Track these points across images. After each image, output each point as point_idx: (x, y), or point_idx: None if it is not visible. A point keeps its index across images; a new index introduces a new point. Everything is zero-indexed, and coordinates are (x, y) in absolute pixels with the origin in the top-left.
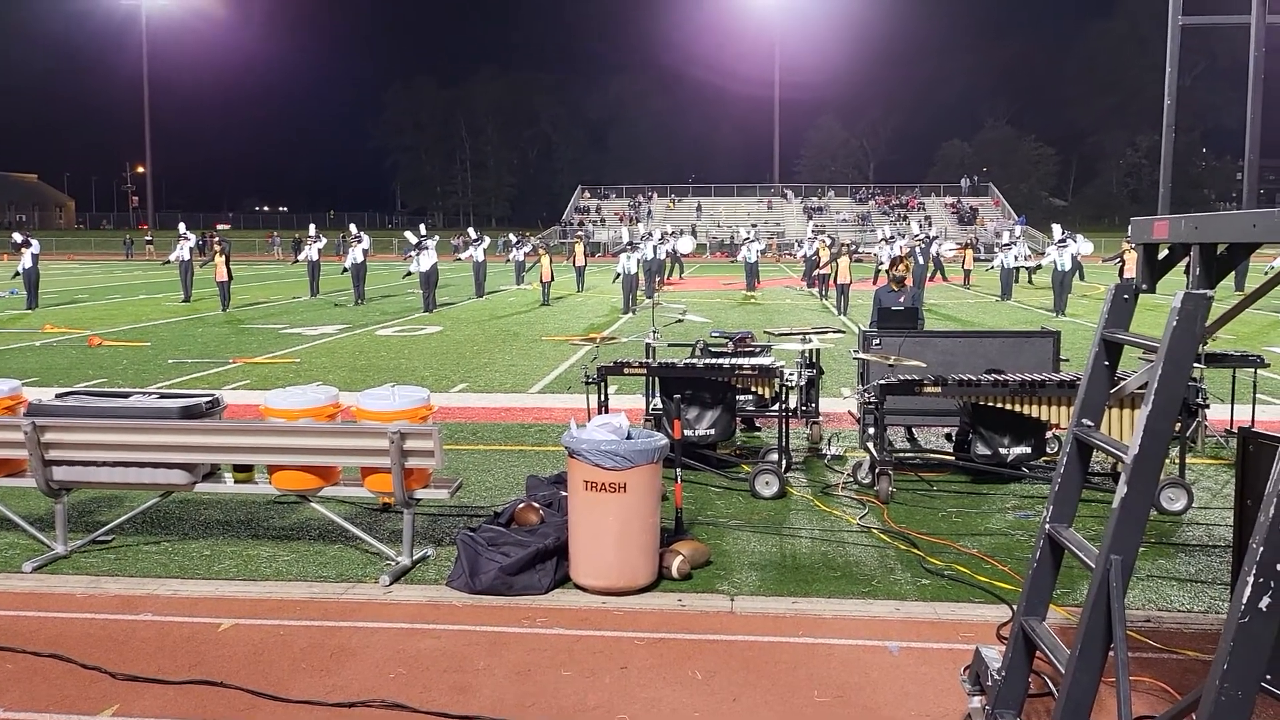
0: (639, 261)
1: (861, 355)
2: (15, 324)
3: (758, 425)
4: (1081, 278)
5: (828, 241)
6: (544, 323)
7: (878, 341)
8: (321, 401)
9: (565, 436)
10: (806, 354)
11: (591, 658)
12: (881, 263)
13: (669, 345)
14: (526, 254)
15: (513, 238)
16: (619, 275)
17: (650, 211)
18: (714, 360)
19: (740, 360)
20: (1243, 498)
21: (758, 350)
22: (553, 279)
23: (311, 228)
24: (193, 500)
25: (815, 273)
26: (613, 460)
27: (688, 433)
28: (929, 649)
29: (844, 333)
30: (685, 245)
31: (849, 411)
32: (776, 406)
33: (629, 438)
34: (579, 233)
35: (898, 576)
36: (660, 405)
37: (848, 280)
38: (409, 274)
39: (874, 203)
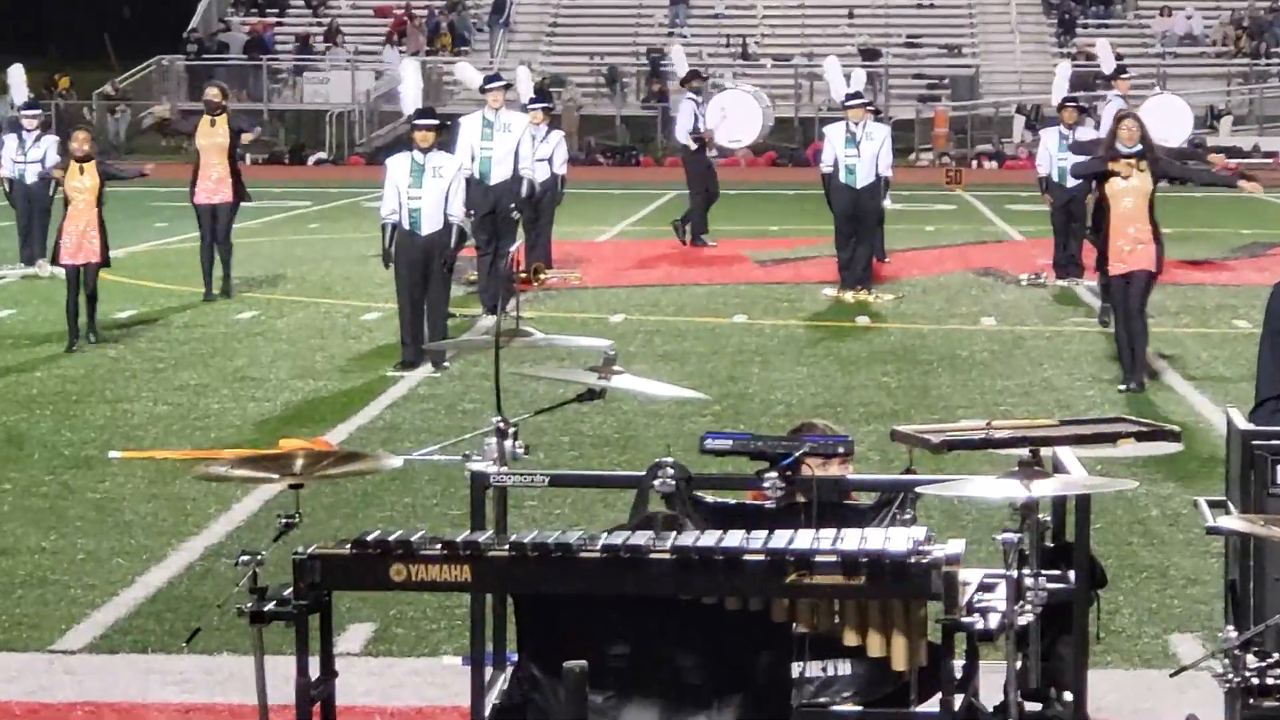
0: (451, 186)
1: (1233, 524)
2: None
3: None
4: None
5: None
6: (103, 407)
7: None
8: None
9: None
10: (1033, 517)
11: None
12: None
13: (548, 482)
14: (54, 168)
15: (16, 98)
16: (391, 233)
17: (506, 13)
18: (709, 539)
19: (805, 537)
20: None
21: (862, 508)
22: (105, 259)
23: None
24: None
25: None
26: None
27: None
28: None
29: (1176, 439)
30: (748, 123)
31: None
32: (937, 703)
33: None
34: (215, 89)
35: None
36: (527, 690)
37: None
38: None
39: None
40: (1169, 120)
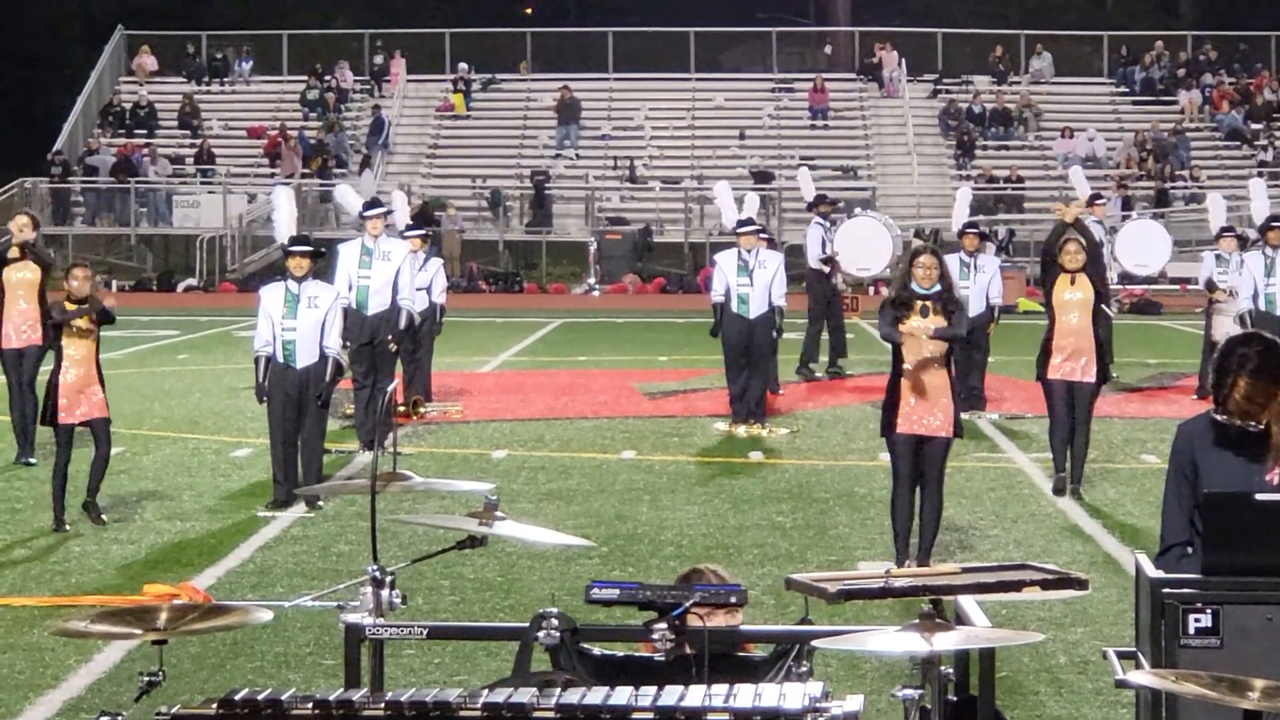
0: (328, 317)
1: (1144, 680)
2: None
3: None
4: None
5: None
6: None
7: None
8: None
9: None
10: (934, 670)
11: None
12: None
13: (426, 634)
14: None
15: None
16: (264, 366)
17: (385, 134)
18: (595, 696)
19: (696, 693)
20: None
21: (756, 660)
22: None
23: None
24: None
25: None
26: None
27: None
28: None
29: (1083, 586)
30: (878, 252)
31: None
32: None
33: None
34: (25, 218)
35: None
36: None
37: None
38: None
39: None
40: (1147, 246)
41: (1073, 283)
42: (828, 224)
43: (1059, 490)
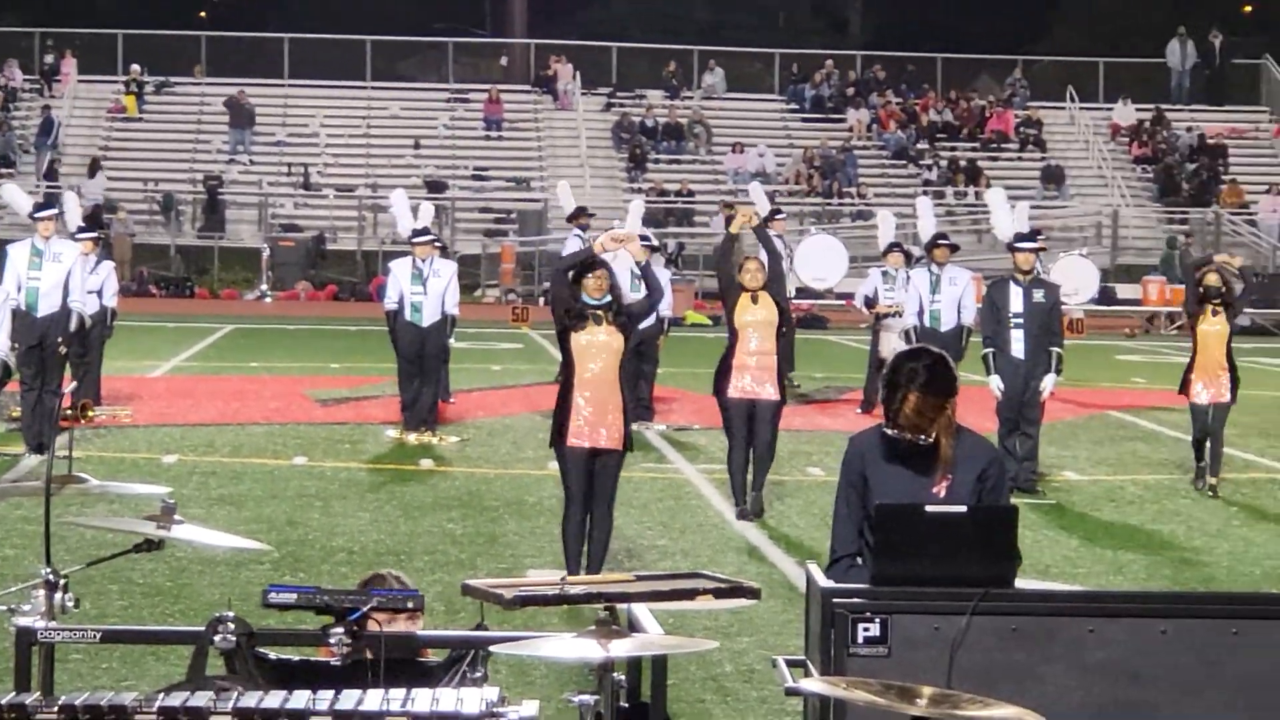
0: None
1: (815, 687)
2: None
3: None
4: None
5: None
6: None
7: None
8: None
9: None
10: (608, 677)
11: None
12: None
13: (100, 638)
14: None
15: None
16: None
17: (54, 134)
18: (273, 699)
19: (375, 697)
20: None
21: (431, 665)
22: None
23: None
24: None
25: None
26: None
27: None
28: None
29: (755, 595)
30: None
31: None
32: None
33: None
34: None
35: None
36: None
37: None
38: None
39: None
40: (825, 261)
41: (755, 301)
42: (585, 236)
43: (743, 516)
